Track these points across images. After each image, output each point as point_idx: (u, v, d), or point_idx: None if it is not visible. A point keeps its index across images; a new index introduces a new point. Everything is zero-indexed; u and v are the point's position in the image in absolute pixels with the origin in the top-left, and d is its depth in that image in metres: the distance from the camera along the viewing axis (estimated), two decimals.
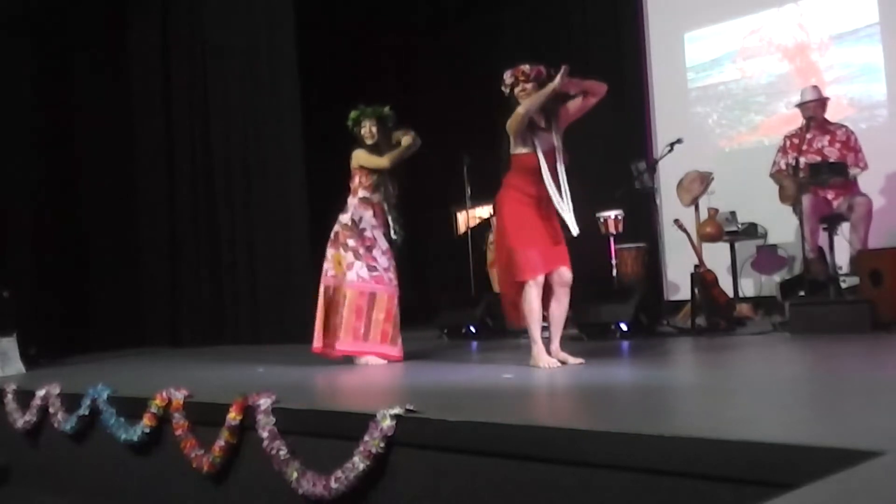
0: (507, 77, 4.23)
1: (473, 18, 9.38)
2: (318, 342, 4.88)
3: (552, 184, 4.10)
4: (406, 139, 4.96)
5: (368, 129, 4.97)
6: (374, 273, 4.91)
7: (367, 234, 4.95)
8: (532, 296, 4.07)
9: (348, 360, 4.89)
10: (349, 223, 4.95)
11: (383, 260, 4.95)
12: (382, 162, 4.95)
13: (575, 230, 4.12)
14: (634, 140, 8.17)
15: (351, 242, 4.92)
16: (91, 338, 7.79)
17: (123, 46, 8.69)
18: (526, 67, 4.19)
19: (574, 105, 4.23)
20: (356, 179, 5.02)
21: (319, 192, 6.74)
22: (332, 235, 4.98)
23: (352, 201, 5.00)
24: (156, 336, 8.25)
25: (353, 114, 5.05)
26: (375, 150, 4.98)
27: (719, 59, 8.05)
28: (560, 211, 4.11)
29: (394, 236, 4.98)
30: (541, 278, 4.09)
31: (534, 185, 4.15)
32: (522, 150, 4.17)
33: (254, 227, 7.66)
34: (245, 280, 7.72)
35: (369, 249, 4.93)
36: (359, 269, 4.89)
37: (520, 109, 4.10)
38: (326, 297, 4.91)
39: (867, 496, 1.41)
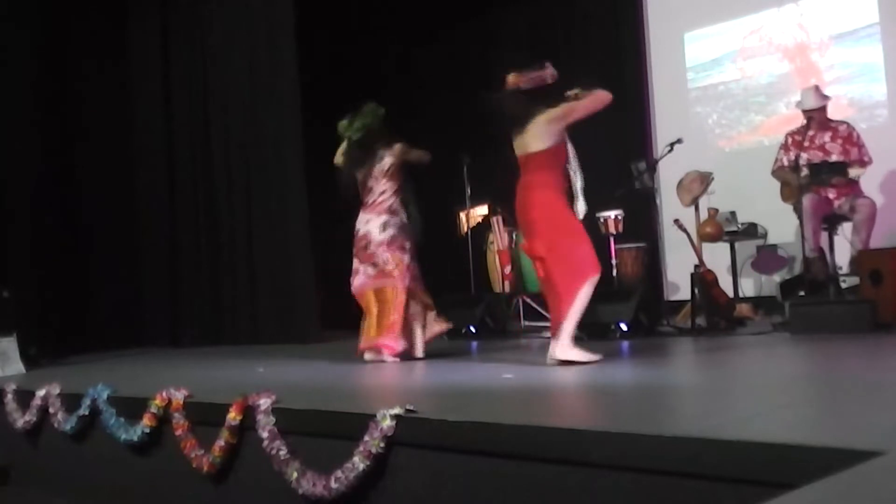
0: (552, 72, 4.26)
1: (472, 18, 9.36)
2: (396, 343, 4.82)
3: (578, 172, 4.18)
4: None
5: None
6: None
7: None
8: (588, 292, 4.03)
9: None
10: (403, 224, 4.94)
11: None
12: (423, 153, 5.09)
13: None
14: (634, 140, 8.15)
15: (408, 245, 4.93)
16: (91, 338, 7.76)
17: (123, 46, 8.69)
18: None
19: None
20: (397, 177, 5.00)
21: (319, 193, 6.73)
22: (387, 238, 4.89)
23: (396, 201, 4.97)
24: (156, 336, 8.24)
25: (358, 122, 5.05)
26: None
27: (719, 59, 8.05)
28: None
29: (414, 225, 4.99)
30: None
31: (564, 180, 4.19)
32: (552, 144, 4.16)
33: (254, 228, 7.65)
34: (245, 280, 7.71)
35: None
36: (412, 269, 4.92)
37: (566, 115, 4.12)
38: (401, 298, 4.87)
39: (867, 496, 1.42)
